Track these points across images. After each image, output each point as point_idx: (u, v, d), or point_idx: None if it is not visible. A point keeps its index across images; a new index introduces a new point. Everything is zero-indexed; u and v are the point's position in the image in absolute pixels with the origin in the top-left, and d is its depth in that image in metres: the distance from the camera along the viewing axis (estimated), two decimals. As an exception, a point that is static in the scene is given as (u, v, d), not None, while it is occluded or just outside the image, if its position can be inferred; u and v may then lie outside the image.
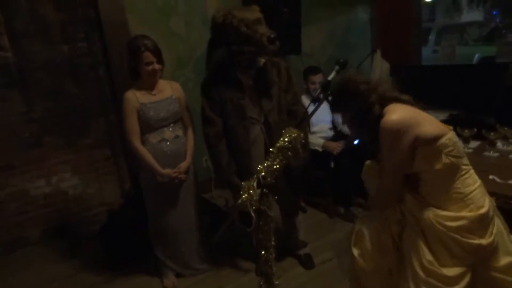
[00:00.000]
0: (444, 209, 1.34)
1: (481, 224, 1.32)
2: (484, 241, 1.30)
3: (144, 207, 2.47)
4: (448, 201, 1.34)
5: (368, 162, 1.59)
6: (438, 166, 1.30)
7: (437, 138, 1.30)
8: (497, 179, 1.89)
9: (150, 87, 2.29)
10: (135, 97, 2.25)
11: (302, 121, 2.27)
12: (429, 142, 1.30)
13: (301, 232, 2.56)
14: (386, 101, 1.39)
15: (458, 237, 1.30)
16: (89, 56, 3.21)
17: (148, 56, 2.18)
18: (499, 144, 2.33)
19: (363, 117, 1.40)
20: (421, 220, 1.36)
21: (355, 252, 1.52)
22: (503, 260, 1.33)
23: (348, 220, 3.03)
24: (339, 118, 3.44)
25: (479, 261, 1.34)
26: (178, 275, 2.52)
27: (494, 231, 1.33)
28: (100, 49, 3.20)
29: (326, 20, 4.36)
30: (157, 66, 2.22)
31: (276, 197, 1.62)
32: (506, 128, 2.44)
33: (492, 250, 1.33)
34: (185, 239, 2.45)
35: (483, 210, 1.32)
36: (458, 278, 1.31)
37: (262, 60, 2.18)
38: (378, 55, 4.01)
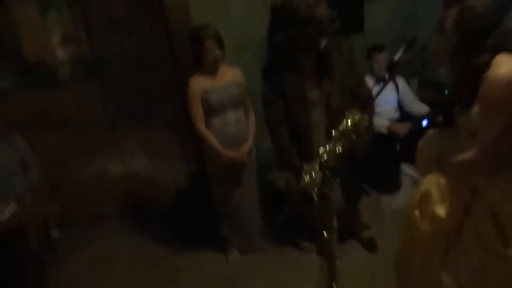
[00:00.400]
0: None
1: None
2: None
3: (209, 187, 2.61)
4: None
5: (430, 131, 1.50)
6: None
7: None
8: None
9: (212, 72, 2.37)
10: (198, 83, 2.35)
11: (367, 103, 2.21)
12: None
13: (363, 215, 2.53)
14: (503, 51, 1.15)
15: None
16: (156, 45, 3.38)
17: (210, 44, 2.26)
18: None
19: (467, 56, 1.18)
20: (492, 194, 1.26)
21: (417, 213, 1.44)
22: None
23: (414, 204, 2.92)
24: (405, 98, 3.31)
25: None
26: (241, 252, 2.64)
27: None
28: (165, 38, 3.35)
29: (390, -6, 4.11)
30: (218, 53, 2.29)
31: (338, 179, 1.61)
32: None
33: None
34: (248, 218, 2.55)
35: None
36: None
37: (323, 42, 2.15)
38: (449, 28, 3.71)
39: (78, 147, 3.33)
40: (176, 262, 2.70)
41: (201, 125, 2.38)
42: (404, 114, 3.25)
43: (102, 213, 3.47)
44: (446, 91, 3.47)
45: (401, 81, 3.27)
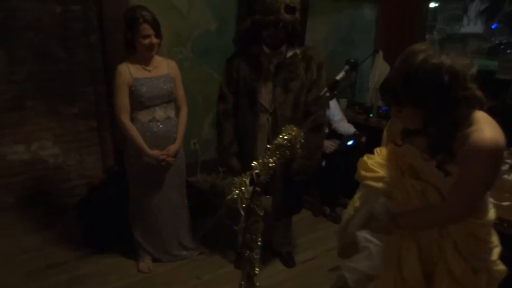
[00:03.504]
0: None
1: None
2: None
3: (126, 185, 2.38)
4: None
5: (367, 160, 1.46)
6: None
7: None
8: (492, 200, 1.85)
9: (145, 62, 2.17)
10: (128, 71, 2.13)
11: (321, 126, 2.18)
12: None
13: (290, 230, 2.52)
14: (472, 102, 1.11)
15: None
16: (83, 21, 3.04)
17: (146, 28, 2.05)
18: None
19: (442, 117, 1.10)
20: (455, 229, 1.27)
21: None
22: None
23: (332, 220, 3.00)
24: (334, 116, 3.42)
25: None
26: (154, 260, 2.45)
27: None
28: (96, 15, 3.03)
29: (331, 14, 4.26)
30: (154, 40, 2.10)
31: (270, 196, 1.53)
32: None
33: None
34: (166, 224, 2.37)
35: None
36: None
37: (293, 50, 2.07)
38: (380, 56, 3.93)
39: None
40: (78, 268, 2.41)
41: (125, 118, 2.15)
42: (331, 132, 3.35)
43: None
44: (371, 115, 3.69)
45: (332, 100, 3.36)
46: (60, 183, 3.23)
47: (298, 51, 2.09)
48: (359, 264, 1.50)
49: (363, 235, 1.50)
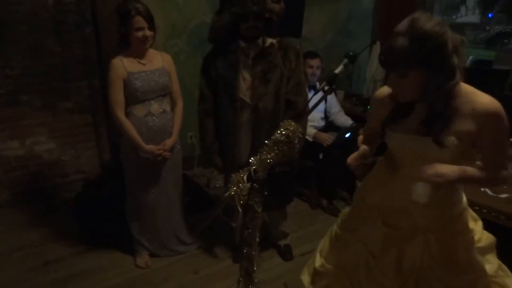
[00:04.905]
0: None
1: None
2: None
3: (123, 180, 2.36)
4: None
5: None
6: None
7: None
8: (489, 192, 1.85)
9: (139, 55, 2.14)
10: (122, 65, 2.09)
11: (302, 114, 2.14)
12: None
13: (285, 222, 2.50)
14: (461, 72, 1.17)
15: None
16: (76, 14, 2.99)
17: (139, 21, 2.02)
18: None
19: (439, 85, 1.14)
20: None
21: None
22: None
23: (330, 213, 3.00)
24: (331, 108, 3.39)
25: None
26: (152, 255, 2.44)
27: None
28: (89, 7, 2.98)
29: (328, 4, 4.21)
30: (148, 33, 2.06)
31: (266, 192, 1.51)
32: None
33: None
34: (163, 218, 2.36)
35: None
36: None
37: (269, 40, 2.03)
38: (377, 47, 3.90)
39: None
40: (75, 264, 2.40)
41: (119, 112, 2.12)
42: (328, 124, 3.33)
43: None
44: (368, 107, 3.67)
45: (330, 94, 3.33)
46: (56, 179, 3.21)
47: (274, 40, 2.05)
48: None
49: None
